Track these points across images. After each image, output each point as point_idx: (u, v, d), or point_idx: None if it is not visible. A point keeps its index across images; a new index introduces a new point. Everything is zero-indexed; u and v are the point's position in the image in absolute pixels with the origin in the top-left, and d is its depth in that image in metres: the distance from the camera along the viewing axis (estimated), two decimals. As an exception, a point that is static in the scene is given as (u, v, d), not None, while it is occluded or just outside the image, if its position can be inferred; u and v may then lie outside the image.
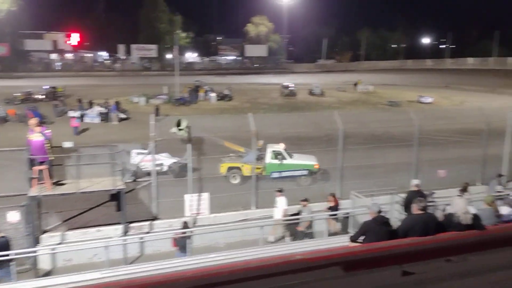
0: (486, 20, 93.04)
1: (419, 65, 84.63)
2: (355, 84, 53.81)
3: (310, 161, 17.19)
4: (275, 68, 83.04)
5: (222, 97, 43.05)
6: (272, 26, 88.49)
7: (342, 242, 8.76)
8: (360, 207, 11.78)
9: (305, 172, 16.37)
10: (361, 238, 6.65)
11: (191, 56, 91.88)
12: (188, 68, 74.93)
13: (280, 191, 12.71)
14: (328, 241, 9.80)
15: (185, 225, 11.34)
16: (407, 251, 4.85)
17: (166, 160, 17.14)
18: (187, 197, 12.88)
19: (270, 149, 17.28)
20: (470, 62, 78.84)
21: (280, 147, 17.39)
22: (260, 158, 16.80)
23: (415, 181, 11.45)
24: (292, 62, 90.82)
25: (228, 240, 11.48)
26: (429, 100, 42.69)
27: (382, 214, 6.86)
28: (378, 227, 6.25)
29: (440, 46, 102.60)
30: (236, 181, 16.87)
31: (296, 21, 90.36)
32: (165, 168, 17.03)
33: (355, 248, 5.94)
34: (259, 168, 15.85)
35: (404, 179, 16.19)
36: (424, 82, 58.93)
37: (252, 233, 11.89)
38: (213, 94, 42.97)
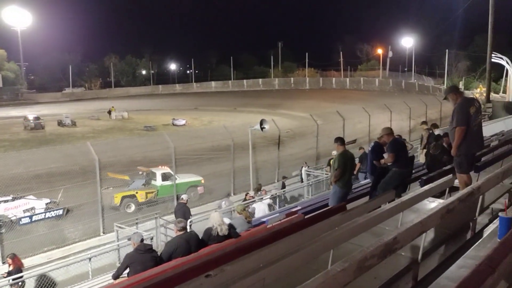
0: (221, 47, 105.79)
1: (169, 90, 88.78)
2: (109, 112, 52.52)
3: (195, 177, 18.27)
4: (15, 99, 73.98)
5: None
6: (4, 53, 78.42)
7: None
8: (125, 238, 11.35)
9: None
10: (126, 271, 6.33)
11: None
12: None
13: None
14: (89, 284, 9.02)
15: None
16: (172, 275, 4.84)
17: (37, 203, 15.09)
18: None
19: (159, 172, 17.43)
20: (213, 85, 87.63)
21: (166, 169, 17.50)
22: (148, 183, 17.56)
23: (183, 196, 12.94)
24: (34, 92, 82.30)
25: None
26: (182, 122, 45.13)
27: (144, 242, 6.71)
28: (141, 256, 6.08)
29: (187, 72, 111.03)
30: (131, 209, 16.40)
31: (34, 47, 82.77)
32: (39, 211, 14.77)
33: (120, 285, 5.61)
34: (152, 192, 16.86)
35: (168, 201, 16.62)
36: (176, 105, 62.09)
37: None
38: None
